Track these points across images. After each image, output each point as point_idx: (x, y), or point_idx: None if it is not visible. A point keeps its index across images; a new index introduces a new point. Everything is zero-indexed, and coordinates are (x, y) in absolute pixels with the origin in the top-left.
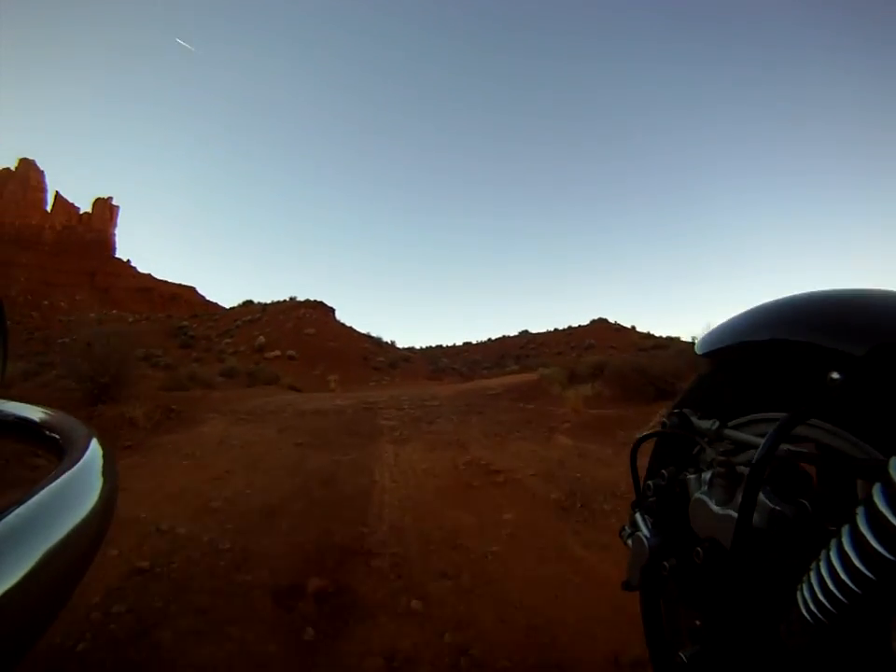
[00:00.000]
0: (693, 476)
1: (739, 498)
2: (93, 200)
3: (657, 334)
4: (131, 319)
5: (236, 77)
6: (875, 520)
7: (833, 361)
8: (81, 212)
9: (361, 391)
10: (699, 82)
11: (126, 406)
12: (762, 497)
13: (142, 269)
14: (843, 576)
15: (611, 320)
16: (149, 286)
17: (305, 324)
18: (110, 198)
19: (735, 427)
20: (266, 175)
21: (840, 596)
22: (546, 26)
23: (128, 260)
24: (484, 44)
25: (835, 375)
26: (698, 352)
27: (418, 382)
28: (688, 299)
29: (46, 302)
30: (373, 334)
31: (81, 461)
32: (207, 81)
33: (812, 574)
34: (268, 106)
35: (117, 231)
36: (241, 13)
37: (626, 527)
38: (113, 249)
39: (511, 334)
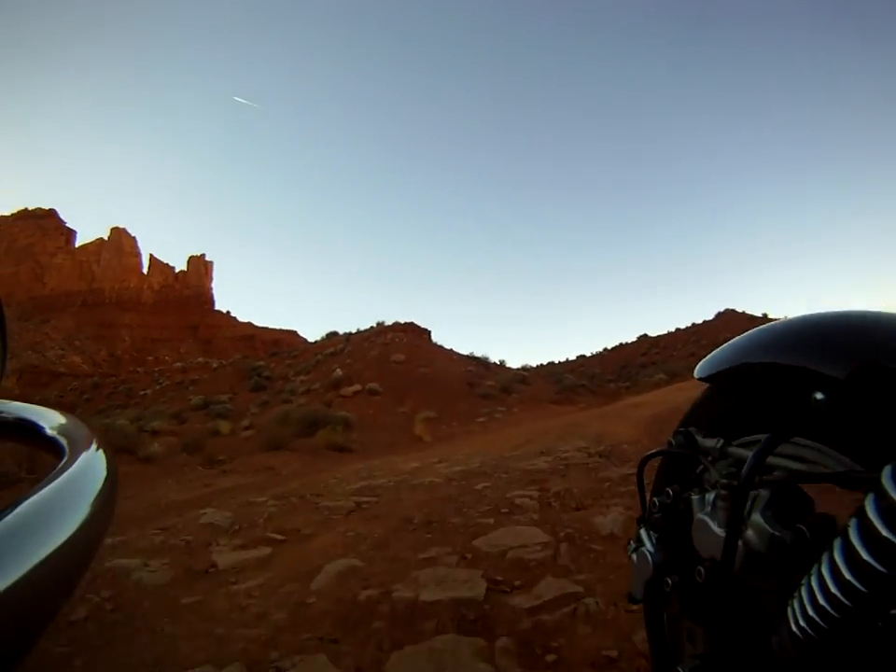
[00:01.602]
0: (696, 497)
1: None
2: (188, 258)
3: None
4: (215, 365)
5: (300, 111)
6: (867, 532)
7: (819, 383)
8: (177, 270)
9: (462, 440)
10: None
11: None
12: (761, 521)
13: (243, 318)
14: (833, 589)
15: (739, 310)
16: (251, 333)
17: (393, 350)
18: (203, 255)
19: (740, 447)
20: (355, 206)
21: (830, 610)
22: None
23: (228, 311)
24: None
25: (819, 396)
26: (696, 376)
27: (546, 410)
28: (809, 279)
29: (150, 357)
30: (477, 354)
31: (81, 462)
32: (273, 126)
33: (803, 588)
34: (352, 122)
35: (213, 285)
36: (302, 56)
37: (631, 542)
38: (212, 302)
39: (629, 340)
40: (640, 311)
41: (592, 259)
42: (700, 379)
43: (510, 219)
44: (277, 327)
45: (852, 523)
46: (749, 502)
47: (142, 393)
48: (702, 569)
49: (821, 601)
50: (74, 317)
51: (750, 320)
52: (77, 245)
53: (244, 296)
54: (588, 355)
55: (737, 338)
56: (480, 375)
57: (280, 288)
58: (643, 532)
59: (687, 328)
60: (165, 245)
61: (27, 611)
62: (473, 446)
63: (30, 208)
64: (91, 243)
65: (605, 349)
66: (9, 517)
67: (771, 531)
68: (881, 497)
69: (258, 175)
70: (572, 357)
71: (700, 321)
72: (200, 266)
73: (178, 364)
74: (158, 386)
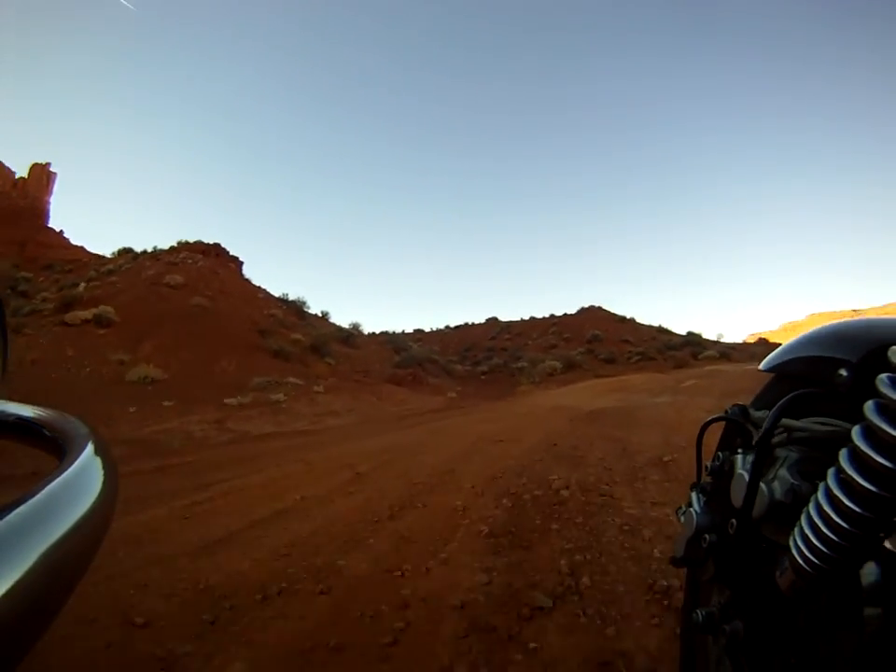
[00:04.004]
0: (739, 456)
1: (772, 474)
2: (30, 165)
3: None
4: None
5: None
6: (857, 455)
7: (842, 365)
8: (17, 177)
9: None
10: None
11: None
12: (784, 471)
13: (75, 241)
14: (832, 515)
15: (606, 308)
16: (80, 258)
17: (175, 271)
18: (48, 164)
19: None
20: (224, 130)
21: (828, 533)
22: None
23: (61, 231)
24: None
25: (843, 372)
26: (761, 369)
27: (384, 395)
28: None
29: None
30: (294, 298)
31: (81, 461)
32: (145, 41)
33: (803, 517)
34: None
35: (52, 200)
36: None
37: (683, 506)
38: (46, 218)
39: (477, 321)
40: (487, 295)
41: (443, 234)
42: (764, 371)
43: (373, 178)
44: (111, 255)
45: (843, 452)
46: (780, 461)
47: None
48: (734, 521)
49: (820, 525)
50: None
51: (620, 321)
52: None
53: (86, 221)
54: (427, 330)
55: (790, 339)
56: (286, 324)
57: (120, 215)
58: (694, 495)
59: (545, 318)
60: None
61: (28, 611)
62: None
63: None
64: None
65: (447, 326)
66: (10, 516)
67: (792, 481)
68: (868, 428)
69: (118, 92)
70: (409, 330)
71: (560, 314)
72: (42, 176)
73: None
74: None
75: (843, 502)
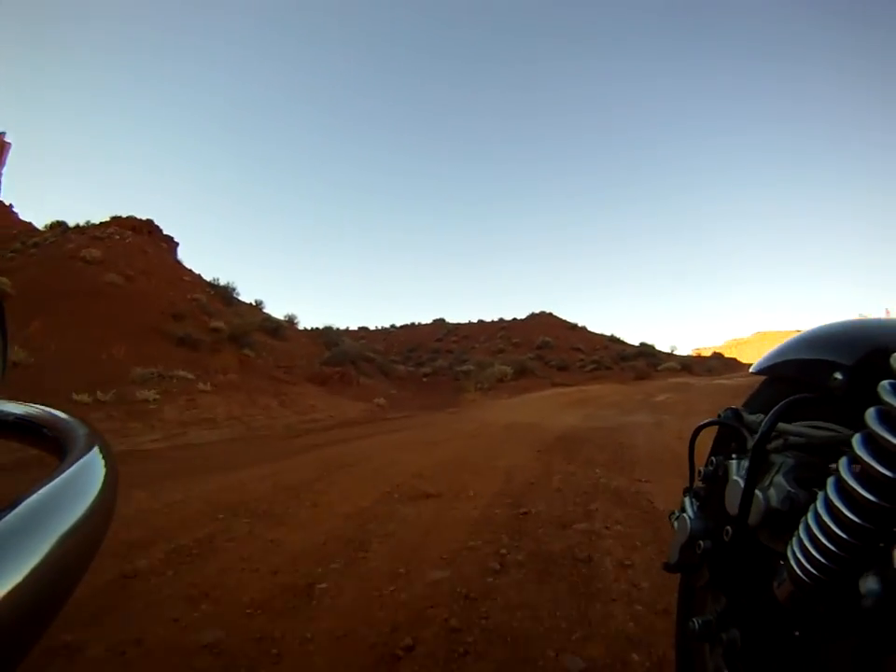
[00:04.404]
0: (734, 462)
1: (767, 481)
2: None
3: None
4: None
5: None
6: (856, 463)
7: (837, 368)
8: None
9: None
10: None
11: None
12: (780, 478)
13: (26, 217)
14: (832, 525)
15: (557, 315)
16: (14, 231)
17: (96, 246)
18: (2, 133)
19: None
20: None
21: (826, 543)
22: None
23: (10, 205)
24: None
25: (838, 375)
26: (752, 371)
27: (288, 397)
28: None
29: None
30: (224, 283)
31: (81, 461)
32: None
33: (801, 527)
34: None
35: (4, 171)
36: None
37: (675, 511)
38: None
39: (424, 321)
40: (435, 295)
41: (395, 232)
42: (755, 373)
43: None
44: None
45: (842, 461)
46: (776, 468)
47: None
48: (729, 528)
49: (821, 538)
50: None
51: (570, 328)
52: None
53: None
54: (371, 328)
55: (782, 342)
56: (208, 310)
57: (73, 190)
58: (687, 500)
59: (493, 321)
60: None
61: (29, 611)
62: None
63: None
64: None
65: (393, 326)
66: (9, 516)
67: (788, 488)
68: (870, 436)
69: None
70: (353, 328)
71: (510, 318)
72: None
73: None
74: None
75: (843, 512)
